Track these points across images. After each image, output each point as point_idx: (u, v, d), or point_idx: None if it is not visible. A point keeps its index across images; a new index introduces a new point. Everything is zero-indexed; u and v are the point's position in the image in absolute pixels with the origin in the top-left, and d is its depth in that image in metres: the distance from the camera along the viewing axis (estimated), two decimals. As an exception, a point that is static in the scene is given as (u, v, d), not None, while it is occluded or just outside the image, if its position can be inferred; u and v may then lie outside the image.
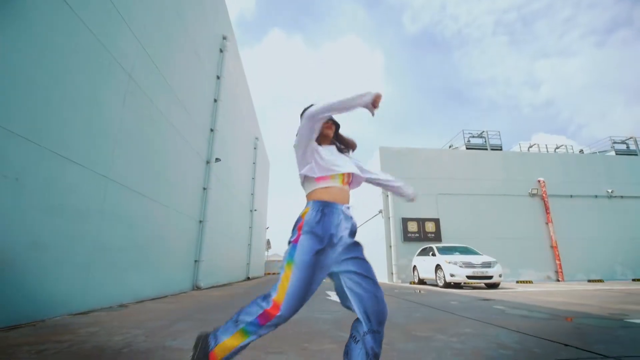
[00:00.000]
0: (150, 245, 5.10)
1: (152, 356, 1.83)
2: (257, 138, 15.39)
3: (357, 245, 1.32)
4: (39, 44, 2.87)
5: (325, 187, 1.32)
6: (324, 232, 1.21)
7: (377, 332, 1.19)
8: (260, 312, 1.14)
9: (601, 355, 1.95)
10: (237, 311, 1.19)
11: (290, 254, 1.20)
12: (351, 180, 1.44)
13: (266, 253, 28.37)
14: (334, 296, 5.25)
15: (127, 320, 3.01)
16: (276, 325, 1.16)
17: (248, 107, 13.74)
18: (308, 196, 1.36)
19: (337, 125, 1.51)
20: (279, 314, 1.13)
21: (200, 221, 7.47)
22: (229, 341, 1.12)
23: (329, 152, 1.41)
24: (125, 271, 4.36)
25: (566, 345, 2.18)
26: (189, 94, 6.73)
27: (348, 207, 1.34)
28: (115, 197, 4.06)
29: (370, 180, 1.59)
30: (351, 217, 1.34)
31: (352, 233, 1.32)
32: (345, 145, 1.56)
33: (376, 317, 1.19)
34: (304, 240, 1.20)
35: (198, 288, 6.99)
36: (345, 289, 1.24)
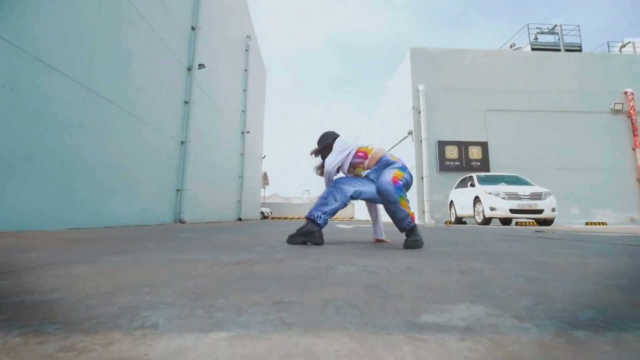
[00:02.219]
0: (129, 166, 5.82)
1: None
2: (249, 37, 15.22)
3: None
4: None
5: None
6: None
7: None
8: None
9: None
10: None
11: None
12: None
13: (263, 190, 28.53)
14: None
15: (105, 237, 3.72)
16: None
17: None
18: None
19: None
20: None
21: (182, 142, 8.04)
22: None
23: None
24: (105, 192, 5.15)
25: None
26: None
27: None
28: (95, 109, 4.83)
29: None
30: None
31: None
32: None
33: None
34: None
35: (181, 222, 7.77)
36: None
